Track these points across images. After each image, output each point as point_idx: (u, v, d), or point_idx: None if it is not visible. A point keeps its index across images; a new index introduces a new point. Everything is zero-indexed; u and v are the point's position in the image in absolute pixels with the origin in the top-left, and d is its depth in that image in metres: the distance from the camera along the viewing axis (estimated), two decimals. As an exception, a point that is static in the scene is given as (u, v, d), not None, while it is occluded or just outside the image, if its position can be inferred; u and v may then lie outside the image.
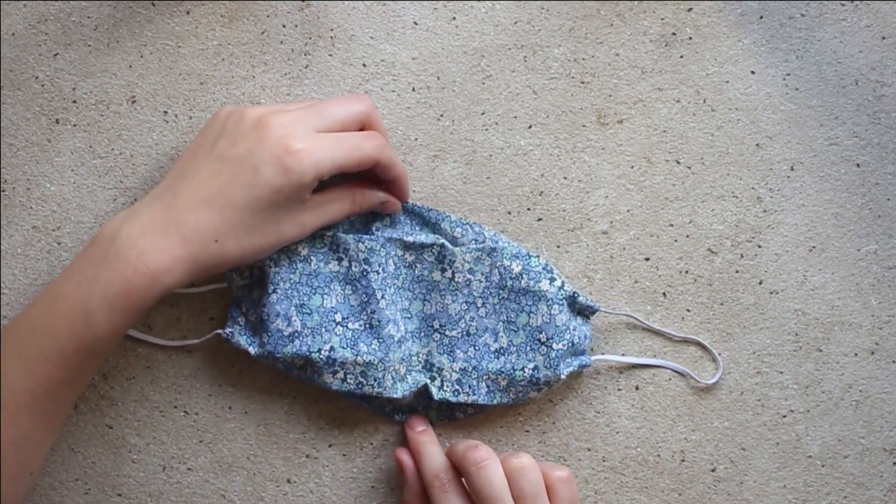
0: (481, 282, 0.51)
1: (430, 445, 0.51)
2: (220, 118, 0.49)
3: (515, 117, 0.55)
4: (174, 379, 0.54)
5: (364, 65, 0.55)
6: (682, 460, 0.54)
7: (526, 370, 0.51)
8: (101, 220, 0.54)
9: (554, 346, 0.51)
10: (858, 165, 0.55)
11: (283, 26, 0.55)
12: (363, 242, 0.51)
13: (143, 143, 0.54)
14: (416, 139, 0.55)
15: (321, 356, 0.50)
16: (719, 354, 0.54)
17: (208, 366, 0.54)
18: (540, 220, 0.55)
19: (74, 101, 0.54)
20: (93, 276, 0.45)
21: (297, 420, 0.54)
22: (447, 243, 0.52)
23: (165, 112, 0.54)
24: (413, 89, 0.55)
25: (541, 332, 0.51)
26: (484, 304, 0.52)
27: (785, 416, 0.54)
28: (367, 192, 0.51)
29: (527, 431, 0.54)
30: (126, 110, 0.54)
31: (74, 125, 0.54)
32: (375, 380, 0.50)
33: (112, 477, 0.54)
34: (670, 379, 0.54)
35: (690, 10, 0.55)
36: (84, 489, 0.54)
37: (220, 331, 0.51)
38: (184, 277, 0.46)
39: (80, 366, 0.45)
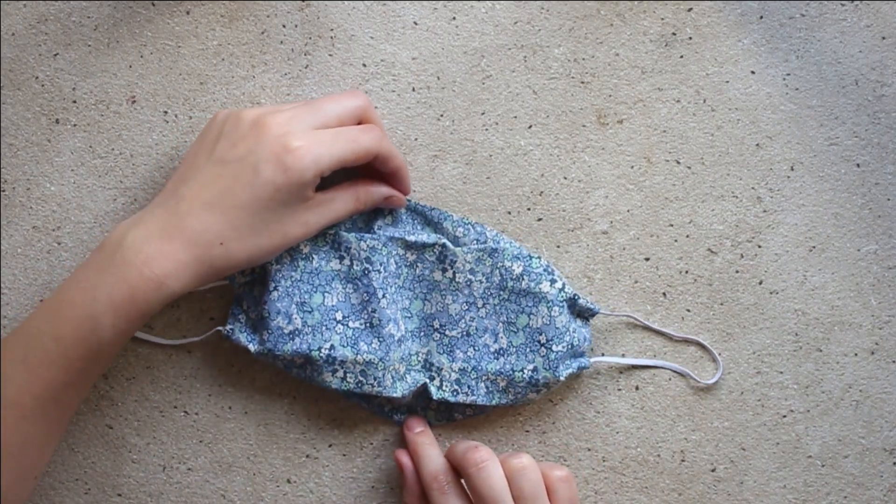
0: (482, 282, 0.51)
1: (429, 447, 0.50)
2: (217, 121, 0.49)
3: (515, 117, 0.55)
4: (174, 379, 0.54)
5: (364, 65, 0.55)
6: (682, 460, 0.54)
7: (525, 371, 0.51)
8: (101, 220, 0.54)
9: (553, 347, 0.51)
10: (858, 165, 0.55)
11: (283, 26, 0.55)
12: (365, 241, 0.51)
13: (143, 143, 0.54)
14: (416, 139, 0.55)
15: (321, 354, 0.50)
16: (719, 354, 0.54)
17: (208, 366, 0.54)
18: (540, 220, 0.55)
19: (74, 101, 0.54)
20: (99, 282, 0.45)
21: (297, 420, 0.54)
22: (449, 243, 0.52)
23: (165, 112, 0.54)
24: (413, 89, 0.55)
25: (541, 334, 0.51)
26: (484, 304, 0.52)
27: (785, 416, 0.54)
28: (370, 188, 0.51)
29: (527, 431, 0.54)
30: (126, 110, 0.54)
31: (74, 125, 0.54)
32: (375, 379, 0.50)
33: (112, 477, 0.54)
34: (670, 379, 0.54)
35: (690, 10, 0.55)
36: (84, 489, 0.54)
37: (220, 328, 0.51)
38: (190, 282, 0.46)
39: (84, 370, 0.46)
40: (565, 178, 0.55)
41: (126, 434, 0.54)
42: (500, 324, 0.51)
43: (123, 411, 0.54)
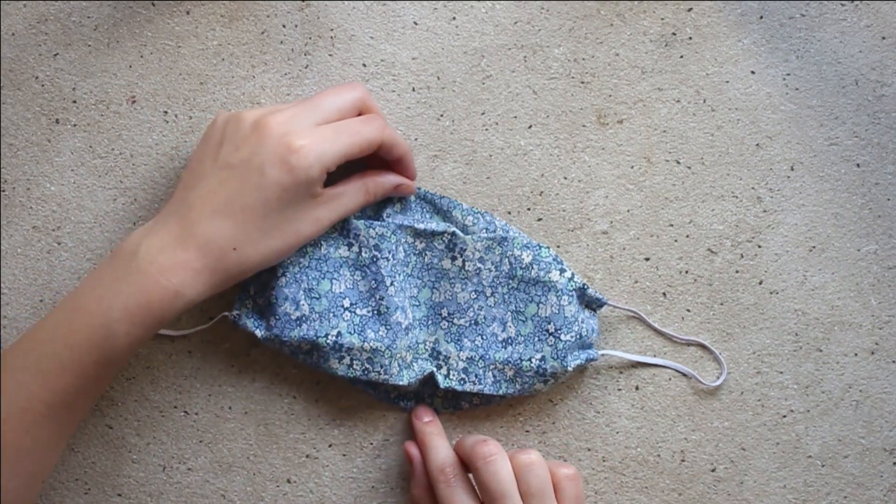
0: (491, 271, 0.52)
1: (437, 437, 0.50)
2: (218, 124, 0.49)
3: (515, 117, 0.55)
4: (174, 379, 0.54)
5: (364, 65, 0.55)
6: (682, 460, 0.54)
7: (533, 360, 0.51)
8: (101, 220, 0.54)
9: (562, 337, 0.51)
10: (858, 165, 0.55)
11: (283, 26, 0.55)
12: (374, 228, 0.51)
13: (143, 143, 0.54)
14: (416, 139, 0.55)
15: (328, 341, 0.50)
16: (720, 354, 0.54)
17: (208, 366, 0.54)
18: (540, 220, 0.55)
19: (74, 101, 0.54)
20: (114, 291, 0.45)
21: (297, 420, 0.54)
22: (458, 231, 0.52)
23: (165, 112, 0.54)
24: (413, 89, 0.55)
25: (549, 323, 0.51)
26: (493, 293, 0.52)
27: (785, 416, 0.54)
28: (378, 179, 0.51)
29: (527, 431, 0.54)
30: (126, 110, 0.54)
31: (74, 125, 0.54)
32: (381, 366, 0.50)
33: (112, 477, 0.54)
34: (670, 379, 0.54)
35: (690, 10, 0.55)
36: (84, 489, 0.54)
37: (227, 313, 0.51)
38: (206, 289, 0.46)
39: (97, 377, 0.46)
40: (565, 178, 0.55)
41: (126, 434, 0.54)
42: (509, 313, 0.51)
43: (123, 411, 0.54)
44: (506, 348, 0.51)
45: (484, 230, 0.52)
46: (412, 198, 0.53)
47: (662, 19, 0.55)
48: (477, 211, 0.53)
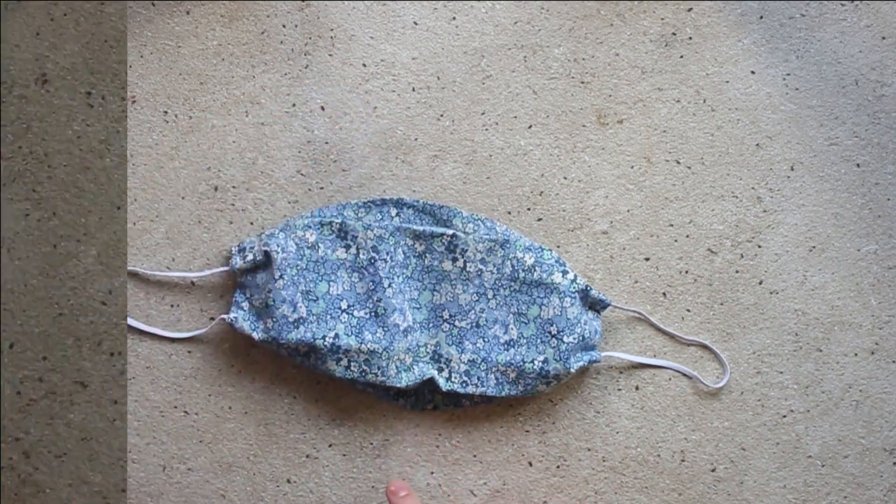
0: (493, 273, 0.52)
1: None
2: None
3: (515, 117, 0.55)
4: (174, 379, 0.54)
5: (364, 65, 0.55)
6: (682, 460, 0.54)
7: (536, 363, 0.51)
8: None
9: (565, 339, 0.51)
10: (858, 165, 0.55)
11: (283, 26, 0.55)
12: (372, 230, 0.51)
13: (143, 143, 0.54)
14: (416, 139, 0.55)
15: (325, 343, 0.50)
16: (722, 356, 0.54)
17: (208, 366, 0.54)
18: (540, 220, 0.55)
19: (74, 101, 0.54)
20: None
21: (297, 420, 0.54)
22: (459, 233, 0.52)
23: (165, 112, 0.54)
24: (413, 89, 0.55)
25: (552, 325, 0.51)
26: (495, 295, 0.52)
27: (785, 416, 0.54)
28: None
29: (527, 431, 0.54)
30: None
31: (74, 125, 0.54)
32: (379, 368, 0.50)
33: (112, 477, 0.54)
34: (670, 379, 0.54)
35: (690, 10, 0.55)
36: (84, 489, 0.54)
37: (224, 315, 0.51)
38: None
39: None
40: (565, 178, 0.55)
41: (126, 434, 0.54)
42: (511, 315, 0.51)
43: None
44: (508, 350, 0.51)
45: (486, 235, 0.52)
46: (411, 210, 0.53)
47: (662, 19, 0.55)
48: (477, 217, 0.53)
